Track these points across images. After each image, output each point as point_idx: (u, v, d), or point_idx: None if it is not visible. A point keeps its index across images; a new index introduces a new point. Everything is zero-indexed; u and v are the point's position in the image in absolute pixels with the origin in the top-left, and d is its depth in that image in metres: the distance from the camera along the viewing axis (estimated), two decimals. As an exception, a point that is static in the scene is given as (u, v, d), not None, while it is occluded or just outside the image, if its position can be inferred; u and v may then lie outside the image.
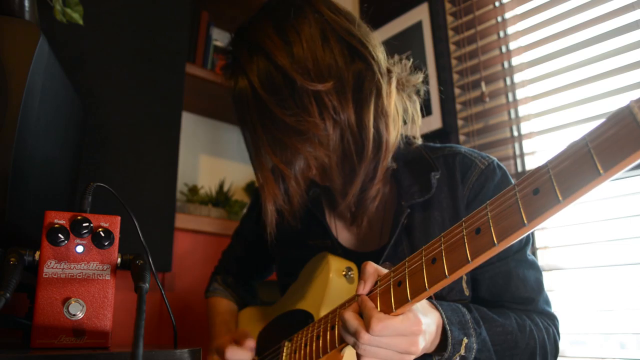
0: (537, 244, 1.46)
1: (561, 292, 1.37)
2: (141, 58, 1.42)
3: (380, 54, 0.83)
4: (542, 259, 1.45)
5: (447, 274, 0.52)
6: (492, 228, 0.48)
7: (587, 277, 1.35)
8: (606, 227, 1.31)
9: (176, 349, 0.49)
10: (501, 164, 0.87)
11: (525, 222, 0.45)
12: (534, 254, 1.45)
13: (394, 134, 0.83)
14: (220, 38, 2.02)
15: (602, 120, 0.42)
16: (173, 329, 0.59)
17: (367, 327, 0.57)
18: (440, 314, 0.66)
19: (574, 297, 1.35)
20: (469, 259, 0.50)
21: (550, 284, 1.39)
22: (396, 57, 0.89)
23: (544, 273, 1.39)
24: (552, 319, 0.82)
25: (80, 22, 1.02)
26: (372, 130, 0.79)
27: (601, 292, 1.30)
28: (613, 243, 1.29)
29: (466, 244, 0.51)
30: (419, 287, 0.55)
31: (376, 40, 0.85)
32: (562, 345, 1.36)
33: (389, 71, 0.83)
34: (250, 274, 1.18)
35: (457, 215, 0.83)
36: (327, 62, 0.78)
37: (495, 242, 0.48)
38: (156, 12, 1.48)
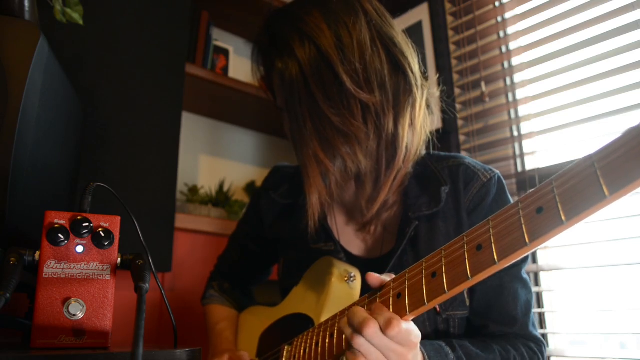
0: (537, 244, 1.46)
1: (561, 292, 1.37)
2: (141, 58, 1.42)
3: (416, 66, 0.83)
4: (542, 259, 1.45)
5: (446, 289, 0.52)
6: (493, 245, 0.48)
7: (587, 277, 1.35)
8: (606, 227, 1.31)
9: (176, 349, 0.49)
10: (502, 179, 0.87)
11: (527, 241, 0.44)
12: (534, 254, 1.45)
13: (417, 147, 0.85)
14: (220, 38, 2.02)
15: (612, 139, 0.40)
16: (173, 329, 0.59)
17: (387, 326, 0.55)
18: (424, 355, 0.65)
19: (574, 297, 1.35)
20: (469, 275, 0.49)
21: (550, 284, 1.40)
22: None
23: (544, 273, 1.41)
24: (539, 344, 0.80)
25: (80, 22, 1.01)
26: (406, 141, 0.81)
27: (601, 292, 1.30)
28: (613, 243, 1.29)
29: (467, 260, 0.50)
30: (418, 301, 0.55)
31: (412, 49, 0.85)
32: (562, 345, 1.37)
33: (422, 85, 0.84)
34: (247, 278, 1.17)
35: (461, 225, 0.83)
36: (374, 66, 0.78)
37: (496, 260, 0.47)
38: (156, 12, 1.48)
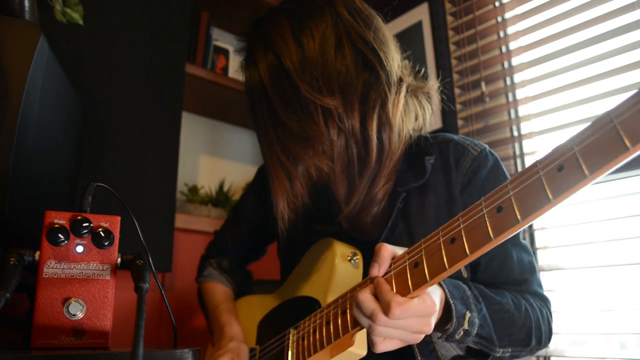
0: (537, 244, 1.46)
1: (561, 292, 1.37)
2: (141, 58, 1.42)
3: (393, 61, 0.82)
4: (542, 259, 1.45)
5: (468, 252, 0.52)
6: (515, 205, 0.49)
7: (587, 277, 1.35)
8: (606, 227, 1.30)
9: (176, 349, 0.49)
10: (493, 151, 0.88)
11: (551, 197, 0.46)
12: (534, 253, 1.45)
13: (397, 143, 0.83)
14: (220, 38, 2.02)
15: (627, 96, 0.42)
16: (173, 329, 0.59)
17: (387, 311, 0.58)
18: (443, 289, 0.67)
19: (574, 297, 1.35)
20: (492, 236, 0.50)
21: (550, 284, 1.39)
22: (405, 62, 0.88)
23: (544, 273, 1.41)
24: (545, 301, 0.83)
25: (80, 22, 1.02)
26: (375, 140, 0.80)
27: (601, 292, 1.30)
28: (613, 243, 1.29)
29: (487, 222, 0.51)
30: (439, 267, 0.55)
31: (392, 46, 0.84)
32: (562, 345, 1.37)
33: (400, 80, 0.83)
34: (246, 254, 1.16)
35: (452, 200, 0.84)
36: (337, 69, 0.78)
37: (520, 218, 0.48)
38: (156, 12, 1.48)
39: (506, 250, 0.82)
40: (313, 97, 0.77)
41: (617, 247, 1.28)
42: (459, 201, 0.83)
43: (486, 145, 0.88)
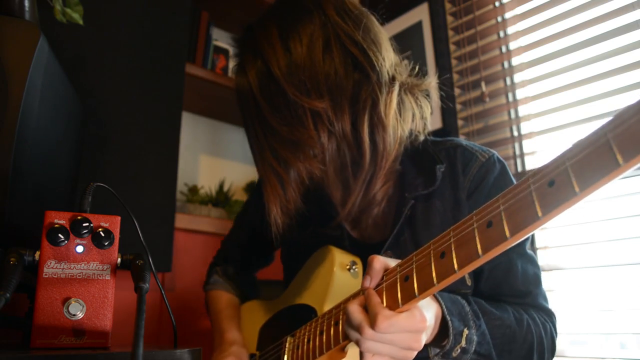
0: (537, 244, 1.46)
1: (561, 292, 1.37)
2: (141, 58, 1.42)
3: (384, 61, 0.81)
4: (542, 259, 1.45)
5: (456, 268, 0.51)
6: (504, 221, 0.47)
7: (587, 277, 1.35)
8: (606, 227, 1.30)
9: (176, 349, 0.49)
10: (501, 158, 0.87)
11: (540, 214, 0.44)
12: (534, 252, 1.45)
13: (392, 144, 0.82)
14: (220, 38, 2.02)
15: (622, 108, 0.40)
16: (173, 329, 0.59)
17: (373, 324, 0.56)
18: (440, 304, 0.66)
19: (574, 297, 1.35)
20: (480, 253, 0.48)
21: (550, 284, 1.40)
22: (405, 62, 0.87)
23: (544, 273, 1.40)
24: (550, 315, 0.82)
25: (80, 22, 1.02)
26: (367, 141, 0.79)
27: (601, 292, 1.30)
28: (613, 243, 1.29)
29: (477, 237, 0.49)
30: (427, 283, 0.54)
31: (384, 45, 0.83)
32: (562, 345, 1.37)
33: (393, 79, 0.82)
34: (252, 261, 1.16)
35: (458, 206, 0.83)
36: (325, 71, 0.77)
37: (508, 235, 0.46)
38: (156, 12, 1.48)
39: (511, 260, 0.80)
40: (301, 100, 0.77)
41: (617, 247, 1.28)
42: (465, 207, 0.82)
43: (495, 152, 0.87)
